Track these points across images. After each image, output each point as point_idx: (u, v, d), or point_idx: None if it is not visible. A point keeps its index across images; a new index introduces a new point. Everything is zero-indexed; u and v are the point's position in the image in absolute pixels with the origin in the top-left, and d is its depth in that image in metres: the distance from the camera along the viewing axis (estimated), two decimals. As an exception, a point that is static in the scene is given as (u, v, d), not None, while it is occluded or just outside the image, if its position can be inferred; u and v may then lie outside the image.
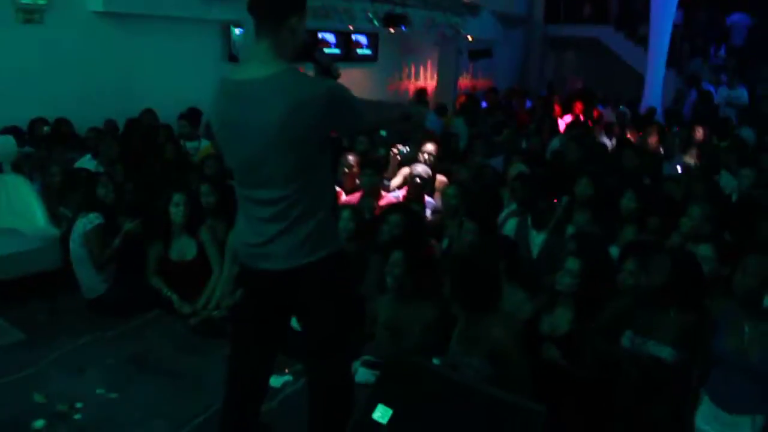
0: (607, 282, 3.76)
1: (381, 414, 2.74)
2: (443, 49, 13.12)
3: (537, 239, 4.73)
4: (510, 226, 5.00)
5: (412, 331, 3.73)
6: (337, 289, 2.67)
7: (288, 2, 2.48)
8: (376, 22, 9.93)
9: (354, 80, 12.30)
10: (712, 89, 12.79)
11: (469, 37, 13.18)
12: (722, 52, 14.48)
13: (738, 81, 12.43)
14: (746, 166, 5.96)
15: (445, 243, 5.00)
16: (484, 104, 12.57)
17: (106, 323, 4.48)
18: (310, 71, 2.70)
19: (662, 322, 3.24)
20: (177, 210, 4.69)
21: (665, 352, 3.21)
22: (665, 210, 4.75)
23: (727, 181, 6.68)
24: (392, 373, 2.89)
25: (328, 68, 2.67)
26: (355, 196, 5.61)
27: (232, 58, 9.57)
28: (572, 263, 3.60)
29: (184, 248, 4.79)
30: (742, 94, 12.26)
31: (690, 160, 7.55)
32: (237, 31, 9.49)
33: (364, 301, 4.07)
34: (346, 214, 4.61)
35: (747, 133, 9.74)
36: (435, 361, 3.46)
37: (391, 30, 10.87)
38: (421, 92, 13.58)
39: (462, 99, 13.47)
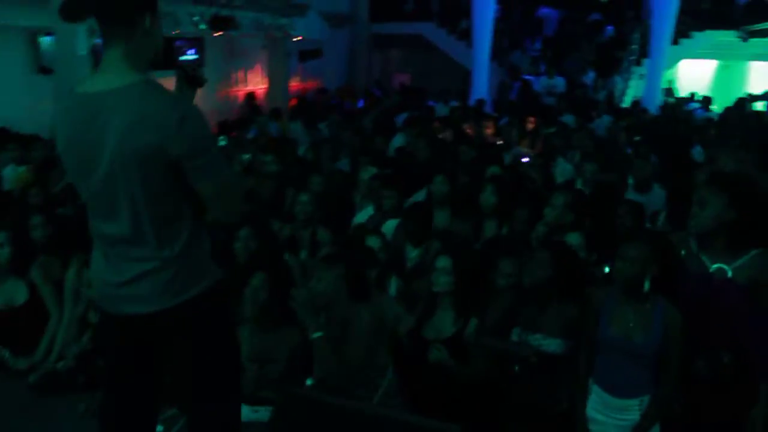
0: (480, 278, 3.71)
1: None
2: (272, 52, 12.80)
3: (412, 253, 4.57)
4: (389, 228, 4.83)
5: (278, 359, 3.46)
6: (216, 330, 2.35)
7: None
8: (202, 26, 9.40)
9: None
10: (532, 79, 13.53)
11: (298, 38, 12.97)
12: (537, 45, 15.35)
13: (555, 71, 13.25)
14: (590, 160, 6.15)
15: (303, 254, 4.76)
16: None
17: None
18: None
19: (547, 316, 3.26)
20: (0, 251, 4.06)
21: (554, 345, 3.21)
22: (526, 201, 4.78)
23: (563, 168, 7.00)
24: (287, 412, 2.63)
25: (194, 76, 2.33)
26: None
27: (43, 70, 8.70)
28: (443, 261, 3.52)
29: (11, 292, 4.15)
30: (559, 82, 13.10)
31: (526, 149, 7.88)
32: (47, 39, 8.63)
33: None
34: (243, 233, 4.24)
35: (569, 119, 10.37)
36: (308, 381, 3.24)
37: (219, 33, 10.41)
38: (251, 97, 13.21)
39: (294, 102, 13.25)
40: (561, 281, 3.25)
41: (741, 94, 13.41)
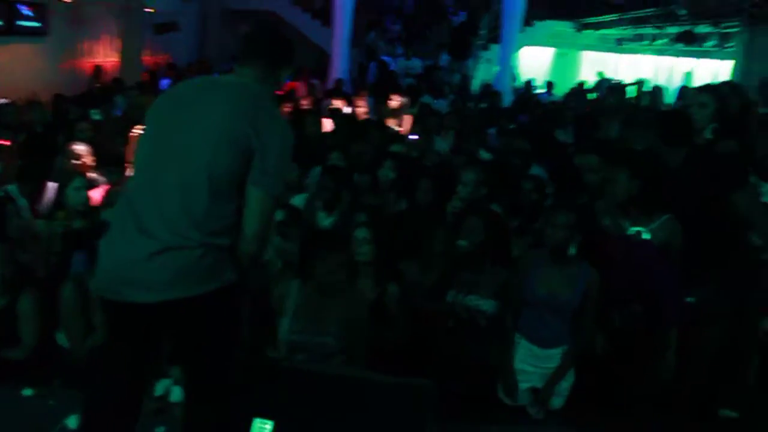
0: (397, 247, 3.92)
1: (259, 428, 2.52)
2: (127, 23, 12.12)
3: (325, 221, 4.64)
4: (298, 202, 4.84)
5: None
6: (228, 324, 2.34)
7: (284, 54, 2.45)
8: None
9: (19, 57, 10.80)
10: (389, 60, 13.88)
11: (151, 10, 12.40)
12: (397, 26, 15.72)
13: (412, 53, 13.70)
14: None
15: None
16: (165, 81, 11.97)
17: None
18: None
19: (482, 279, 3.51)
20: None
21: (488, 305, 3.47)
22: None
23: (440, 145, 7.34)
24: (256, 381, 2.65)
25: None
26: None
27: None
28: (362, 232, 3.73)
29: None
30: (416, 64, 13.57)
31: (397, 127, 8.17)
32: None
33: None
34: None
35: (427, 99, 10.81)
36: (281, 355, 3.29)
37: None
38: (99, 70, 12.44)
39: (145, 76, 12.65)
40: (493, 246, 3.51)
41: (574, 80, 14.65)
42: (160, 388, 3.31)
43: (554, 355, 3.33)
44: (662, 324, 3.34)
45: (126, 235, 2.18)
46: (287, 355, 3.32)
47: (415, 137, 6.78)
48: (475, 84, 14.18)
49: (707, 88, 4.28)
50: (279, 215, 4.18)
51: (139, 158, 2.31)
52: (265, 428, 2.50)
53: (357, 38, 15.04)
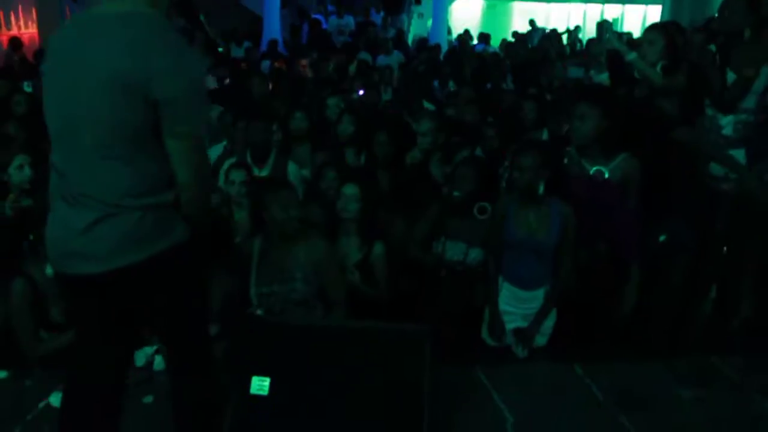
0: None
1: (258, 386, 2.48)
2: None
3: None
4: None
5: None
6: (187, 287, 2.17)
7: None
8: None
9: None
10: (321, 19, 13.64)
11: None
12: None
13: (345, 11, 13.49)
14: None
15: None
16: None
17: None
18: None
19: (470, 226, 3.55)
20: None
21: (475, 253, 3.54)
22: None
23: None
24: (247, 341, 2.61)
25: (213, 43, 2.16)
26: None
27: None
28: (351, 189, 3.66)
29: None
30: (349, 21, 13.37)
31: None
32: None
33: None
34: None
35: (365, 56, 10.72)
36: (260, 312, 3.26)
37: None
38: (16, 42, 11.82)
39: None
40: (483, 191, 3.57)
41: (507, 32, 14.75)
42: (140, 357, 3.25)
43: (536, 296, 3.38)
44: (624, 260, 3.42)
45: (61, 207, 2.04)
46: (260, 307, 3.30)
47: (361, 92, 6.71)
48: (410, 39, 14.13)
49: (655, 26, 4.37)
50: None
51: (49, 123, 2.07)
52: (264, 385, 2.47)
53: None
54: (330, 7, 14.10)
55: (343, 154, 5.00)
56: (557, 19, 16.00)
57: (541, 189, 3.31)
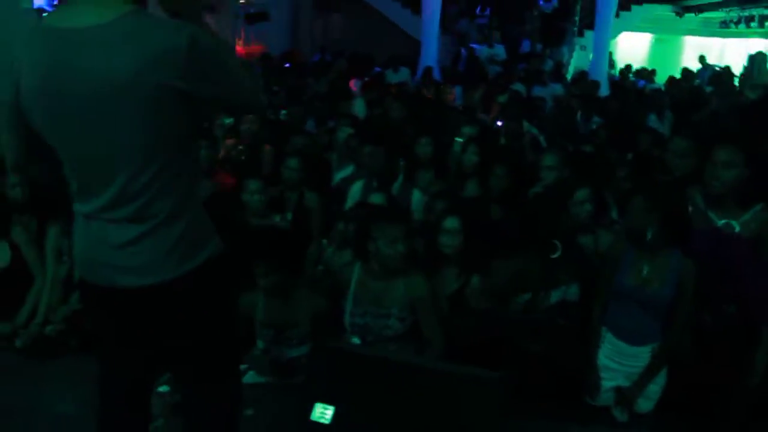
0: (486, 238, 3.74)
1: (321, 413, 2.43)
2: (218, 13, 12.38)
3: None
4: (356, 189, 4.81)
5: (300, 322, 3.35)
6: (220, 302, 2.09)
7: None
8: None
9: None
10: (478, 48, 13.61)
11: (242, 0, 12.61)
12: (487, 11, 15.39)
13: (496, 40, 13.39)
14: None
15: (288, 216, 4.69)
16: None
17: None
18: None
19: (557, 269, 3.27)
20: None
21: (572, 291, 3.26)
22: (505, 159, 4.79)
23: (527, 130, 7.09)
24: (321, 366, 2.58)
25: (256, 13, 2.06)
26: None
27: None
28: (452, 222, 3.53)
29: (-8, 254, 3.89)
30: (500, 51, 13.25)
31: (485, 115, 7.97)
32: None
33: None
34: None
35: (519, 87, 10.51)
36: (355, 340, 3.22)
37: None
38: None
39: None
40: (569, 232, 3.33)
41: (676, 68, 13.88)
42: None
43: (642, 353, 3.10)
44: (754, 324, 3.05)
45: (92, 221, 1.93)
46: (353, 338, 3.26)
47: (500, 123, 6.57)
48: (570, 71, 13.73)
49: None
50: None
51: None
52: (326, 414, 2.41)
53: (449, 26, 14.87)
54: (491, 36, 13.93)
55: (463, 185, 4.90)
56: (733, 55, 14.90)
57: (649, 235, 3.03)
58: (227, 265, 2.09)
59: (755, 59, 3.53)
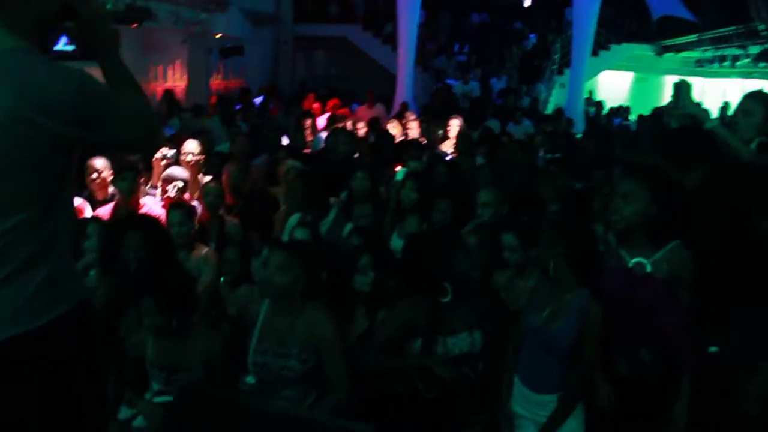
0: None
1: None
2: (192, 47, 12.35)
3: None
4: (291, 223, 4.61)
5: (191, 367, 3.14)
6: (76, 374, 1.80)
7: None
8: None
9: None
10: (455, 84, 13.63)
11: (219, 35, 12.59)
12: (466, 49, 15.46)
13: (470, 77, 13.42)
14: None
15: (212, 245, 4.51)
16: (237, 106, 12.10)
17: None
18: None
19: (456, 314, 3.01)
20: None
21: (473, 339, 2.99)
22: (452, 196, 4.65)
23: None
24: (185, 411, 2.39)
25: (96, 25, 1.83)
26: (107, 208, 4.84)
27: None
28: (365, 260, 3.40)
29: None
30: (474, 87, 13.27)
31: (446, 149, 7.87)
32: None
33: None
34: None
35: (494, 124, 10.44)
36: (249, 380, 3.02)
37: (134, 26, 9.87)
38: (170, 94, 12.70)
39: (213, 100, 12.85)
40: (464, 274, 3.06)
41: (656, 106, 13.85)
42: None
43: (547, 402, 2.88)
44: (675, 373, 2.83)
45: None
46: (248, 378, 3.05)
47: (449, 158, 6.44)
48: (549, 108, 13.72)
49: (755, 95, 3.64)
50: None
51: None
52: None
53: (426, 62, 14.90)
54: (472, 73, 13.93)
55: (403, 220, 4.75)
56: (713, 95, 14.88)
57: (551, 271, 2.85)
58: (90, 318, 1.89)
59: (680, 88, 3.41)
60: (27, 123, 1.60)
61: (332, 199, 4.91)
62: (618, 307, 2.85)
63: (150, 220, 3.95)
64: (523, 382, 2.94)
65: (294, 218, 4.67)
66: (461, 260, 2.99)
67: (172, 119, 9.72)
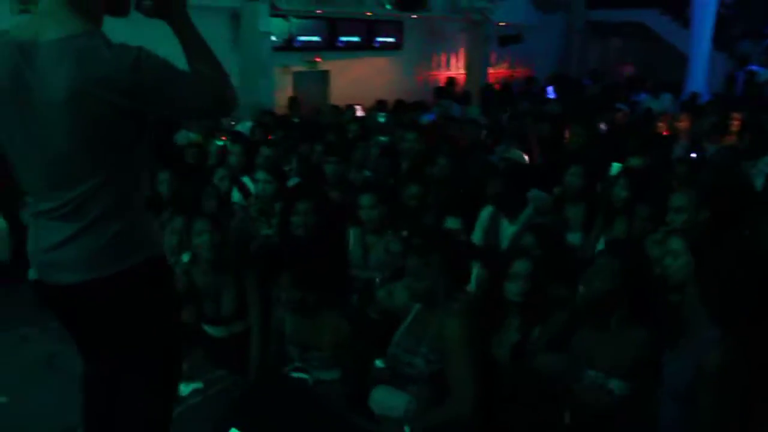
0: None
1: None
2: (470, 36, 12.58)
3: (508, 230, 4.24)
4: (485, 215, 4.53)
5: (322, 347, 3.22)
6: (153, 309, 2.11)
7: None
8: (388, 6, 9.44)
9: (377, 69, 11.96)
10: (760, 70, 11.94)
11: (502, 24, 12.62)
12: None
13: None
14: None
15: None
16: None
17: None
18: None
19: (604, 343, 2.68)
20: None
21: (612, 384, 2.65)
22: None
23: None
24: (256, 392, 2.50)
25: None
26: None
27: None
28: (520, 266, 3.01)
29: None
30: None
31: (712, 145, 6.89)
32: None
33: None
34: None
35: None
36: (378, 363, 3.05)
37: (413, 15, 10.36)
38: (451, 81, 13.05)
39: (497, 88, 12.94)
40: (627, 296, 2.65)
41: None
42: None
43: None
44: None
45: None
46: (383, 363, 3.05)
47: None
48: None
49: None
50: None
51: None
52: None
53: (731, 46, 13.30)
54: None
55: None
56: None
57: None
58: (164, 271, 2.16)
59: None
60: (90, 97, 1.79)
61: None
62: None
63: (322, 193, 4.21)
64: None
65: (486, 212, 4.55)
66: None
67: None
